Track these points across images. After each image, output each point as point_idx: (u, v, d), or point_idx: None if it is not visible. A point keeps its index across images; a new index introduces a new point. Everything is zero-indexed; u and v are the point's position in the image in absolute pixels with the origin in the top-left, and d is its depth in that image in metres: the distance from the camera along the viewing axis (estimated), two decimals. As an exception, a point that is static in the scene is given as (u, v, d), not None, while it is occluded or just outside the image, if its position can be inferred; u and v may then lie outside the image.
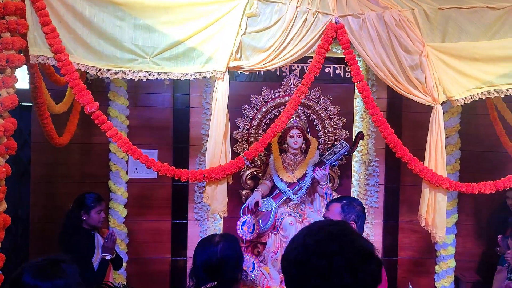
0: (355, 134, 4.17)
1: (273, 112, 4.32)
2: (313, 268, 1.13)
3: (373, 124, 3.97)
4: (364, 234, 4.34)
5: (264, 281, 3.86)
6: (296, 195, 3.94)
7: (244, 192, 4.30)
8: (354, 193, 4.44)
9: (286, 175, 3.98)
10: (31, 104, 3.28)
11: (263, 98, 4.34)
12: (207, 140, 3.35)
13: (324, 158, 3.92)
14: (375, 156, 4.40)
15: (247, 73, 4.24)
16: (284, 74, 4.38)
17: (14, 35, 2.54)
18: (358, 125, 4.42)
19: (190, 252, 4.09)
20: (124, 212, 4.20)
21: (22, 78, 2.80)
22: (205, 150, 3.72)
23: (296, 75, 4.34)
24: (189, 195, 4.33)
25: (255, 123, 4.32)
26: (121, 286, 3.62)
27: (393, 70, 3.10)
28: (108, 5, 2.77)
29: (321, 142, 4.35)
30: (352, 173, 4.46)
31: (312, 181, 3.94)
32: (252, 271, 3.81)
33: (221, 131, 3.02)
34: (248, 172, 4.30)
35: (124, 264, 4.06)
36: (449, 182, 3.12)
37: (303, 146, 4.07)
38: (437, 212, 3.17)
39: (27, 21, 2.60)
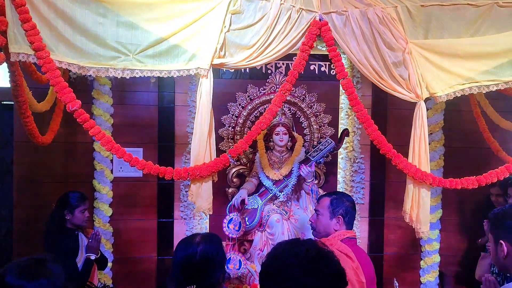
0: (341, 131, 4.18)
1: (259, 109, 4.32)
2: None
3: (358, 121, 3.99)
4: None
5: (251, 279, 3.86)
6: (282, 193, 3.95)
7: (230, 190, 4.29)
8: (340, 190, 4.45)
9: (272, 172, 3.98)
10: (13, 102, 3.23)
11: (248, 96, 4.34)
12: (192, 138, 3.34)
13: (309, 155, 3.93)
14: (361, 153, 4.43)
15: (233, 70, 4.24)
16: (269, 71, 4.38)
17: (-7, 32, 2.50)
18: (344, 122, 4.44)
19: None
20: (109, 211, 4.17)
21: (3, 77, 2.76)
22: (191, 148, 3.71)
23: (281, 73, 4.35)
24: (175, 193, 4.32)
25: (240, 121, 4.32)
26: (101, 286, 3.59)
27: (377, 67, 3.12)
28: (90, 1, 2.73)
29: (307, 139, 4.37)
30: (338, 170, 4.48)
31: (298, 178, 3.95)
32: (238, 269, 3.81)
33: (206, 129, 3.00)
34: (234, 170, 4.29)
35: (110, 264, 4.03)
36: (432, 178, 3.15)
37: (289, 143, 4.08)
38: (421, 208, 3.19)
39: (7, 18, 2.55)
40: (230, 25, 2.98)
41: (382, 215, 4.51)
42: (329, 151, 4.00)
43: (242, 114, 4.32)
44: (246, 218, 3.89)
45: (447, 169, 4.40)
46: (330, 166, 4.45)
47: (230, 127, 4.33)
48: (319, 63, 4.43)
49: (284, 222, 3.88)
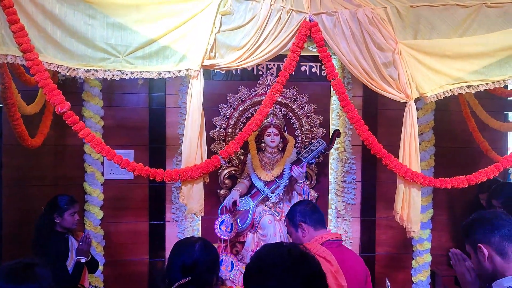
0: (332, 132, 4.20)
1: (250, 111, 4.32)
2: None
3: (349, 122, 4.01)
4: (342, 232, 4.39)
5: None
6: (274, 194, 3.94)
7: (222, 191, 4.29)
8: (331, 191, 4.48)
9: (264, 173, 3.98)
10: (1, 105, 3.20)
11: (239, 97, 4.34)
12: (184, 140, 3.33)
13: (301, 156, 3.94)
14: (352, 153, 4.44)
15: (223, 72, 4.24)
16: (260, 73, 4.38)
17: (-20, 34, 2.48)
18: (335, 123, 4.45)
19: (168, 253, 4.06)
20: (100, 214, 4.14)
21: (-10, 79, 2.74)
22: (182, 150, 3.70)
23: (272, 74, 4.35)
24: (167, 195, 4.30)
25: (232, 122, 4.31)
26: None
27: (367, 67, 3.13)
28: (79, 3, 2.71)
29: (298, 140, 4.38)
30: (329, 170, 4.49)
31: (289, 179, 3.94)
32: (231, 271, 3.81)
33: (196, 131, 2.99)
34: (225, 171, 4.29)
35: (101, 267, 4.01)
36: (423, 178, 3.17)
37: (280, 144, 4.07)
38: (411, 208, 3.21)
39: (-5, 20, 2.53)
40: (220, 26, 2.97)
41: (373, 215, 4.52)
42: (321, 152, 4.01)
43: (233, 115, 4.31)
44: (238, 220, 3.88)
45: (437, 168, 4.42)
46: (322, 167, 4.46)
47: (222, 129, 4.32)
48: (310, 64, 4.44)
49: (276, 223, 3.87)
